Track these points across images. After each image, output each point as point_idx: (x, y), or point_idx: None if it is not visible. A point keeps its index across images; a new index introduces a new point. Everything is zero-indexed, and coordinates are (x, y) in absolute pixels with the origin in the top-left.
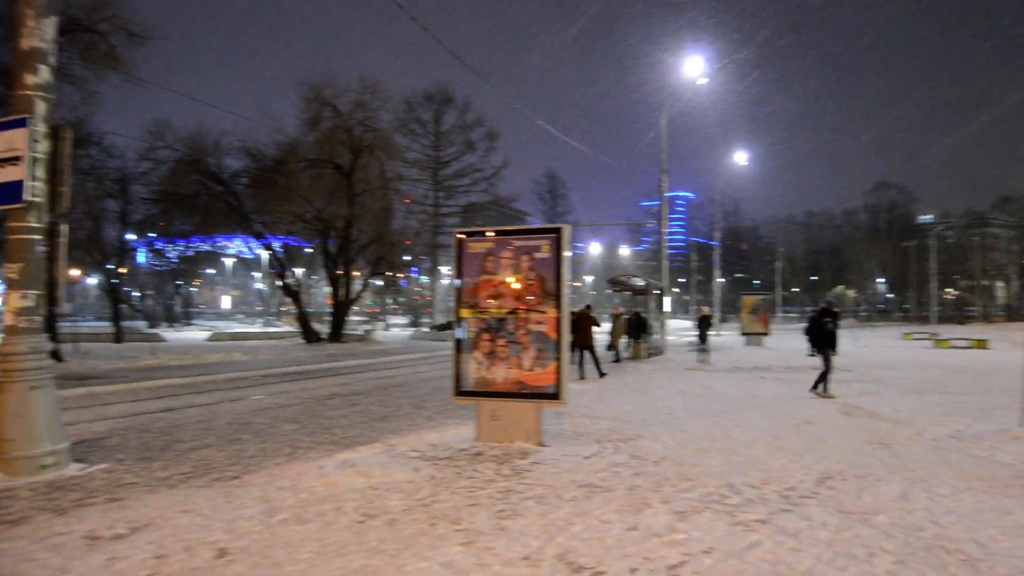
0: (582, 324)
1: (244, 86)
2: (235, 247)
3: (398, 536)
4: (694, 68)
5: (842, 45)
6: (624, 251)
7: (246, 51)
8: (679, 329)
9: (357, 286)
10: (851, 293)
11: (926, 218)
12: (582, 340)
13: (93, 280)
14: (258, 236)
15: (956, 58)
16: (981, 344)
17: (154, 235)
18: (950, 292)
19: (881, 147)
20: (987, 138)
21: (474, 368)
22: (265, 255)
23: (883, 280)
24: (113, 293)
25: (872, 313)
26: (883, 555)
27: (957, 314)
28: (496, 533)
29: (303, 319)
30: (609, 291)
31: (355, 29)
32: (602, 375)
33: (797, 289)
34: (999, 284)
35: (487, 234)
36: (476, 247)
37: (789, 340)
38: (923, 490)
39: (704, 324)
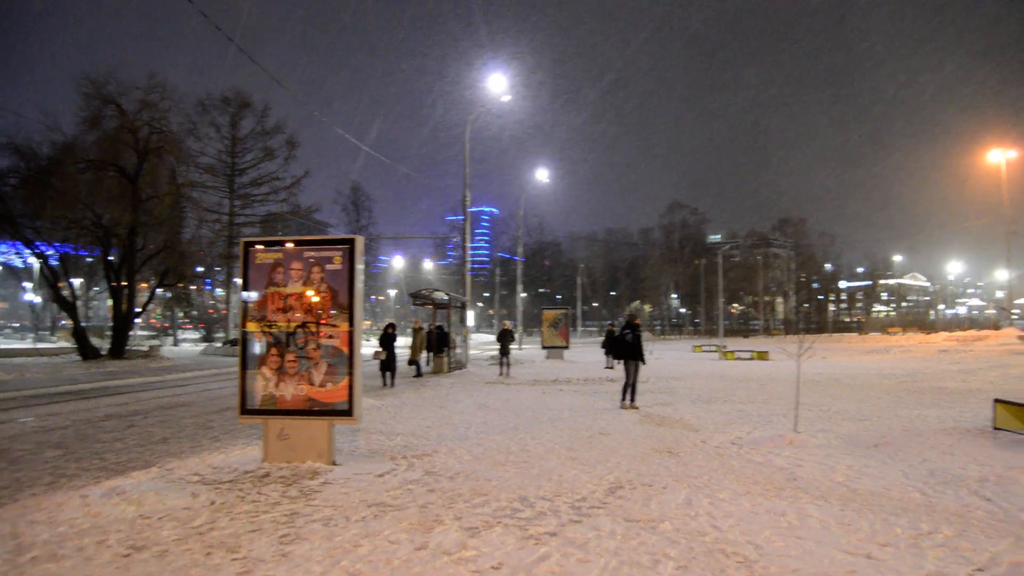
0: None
1: (11, 76)
2: (0, 254)
3: (167, 569)
4: (497, 85)
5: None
6: (429, 265)
7: (12, 37)
8: (483, 343)
9: (143, 298)
10: (647, 308)
11: (715, 238)
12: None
13: None
14: (28, 243)
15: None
16: (762, 356)
17: None
18: (736, 307)
19: (674, 168)
20: (768, 164)
21: (261, 385)
22: (37, 264)
23: (676, 296)
24: None
25: (666, 327)
26: (667, 561)
27: (742, 328)
28: (277, 560)
29: (80, 334)
30: (414, 306)
31: (145, 24)
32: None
33: (596, 304)
34: (779, 300)
35: (276, 244)
36: (265, 257)
37: (588, 353)
38: (706, 496)
39: (505, 338)
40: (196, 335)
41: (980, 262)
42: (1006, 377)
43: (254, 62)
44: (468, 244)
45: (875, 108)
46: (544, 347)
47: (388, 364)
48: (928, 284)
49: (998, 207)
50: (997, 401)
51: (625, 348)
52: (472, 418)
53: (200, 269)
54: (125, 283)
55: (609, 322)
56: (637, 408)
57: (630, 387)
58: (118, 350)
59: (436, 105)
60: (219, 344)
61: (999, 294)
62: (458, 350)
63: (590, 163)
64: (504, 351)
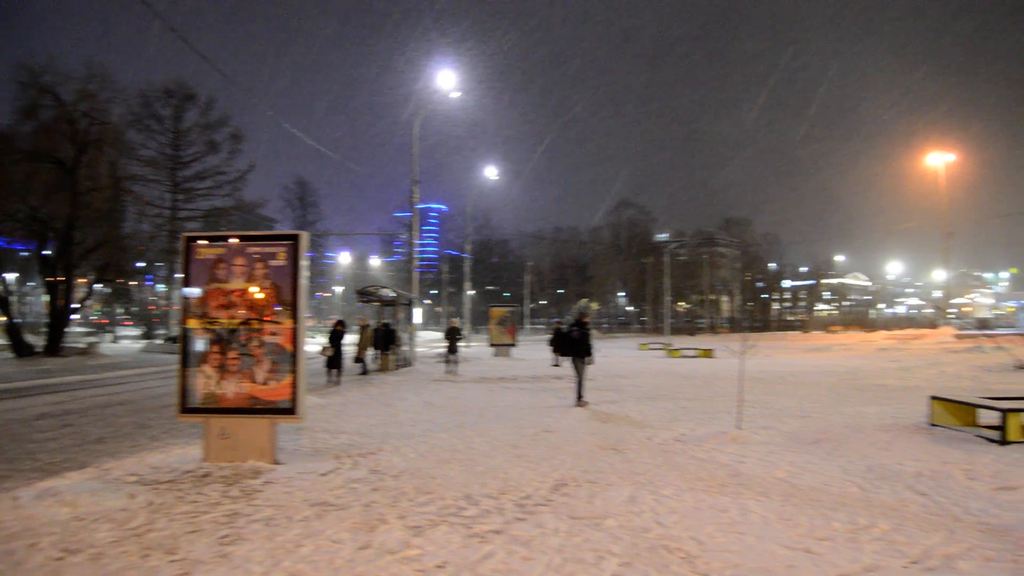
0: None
1: None
2: None
3: (102, 572)
4: (447, 81)
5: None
6: (376, 262)
7: None
8: (430, 340)
9: (81, 294)
10: (594, 305)
11: (662, 236)
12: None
13: None
14: None
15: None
16: (707, 353)
17: None
18: (682, 305)
19: (622, 168)
20: (714, 165)
21: (202, 383)
22: None
23: (623, 294)
24: None
25: (613, 325)
26: (610, 558)
27: (688, 326)
28: (217, 561)
29: (13, 330)
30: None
31: (85, 13)
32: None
33: (545, 301)
34: (724, 298)
35: (219, 239)
36: (206, 252)
37: (536, 351)
38: (650, 492)
39: (453, 335)
40: (136, 332)
41: (919, 262)
42: (942, 374)
43: (197, 53)
44: (416, 241)
45: (815, 111)
46: (491, 345)
47: (335, 362)
48: (869, 283)
49: (936, 209)
50: (933, 398)
51: (573, 345)
52: (418, 416)
53: (141, 264)
54: (62, 278)
55: (556, 319)
56: (584, 405)
57: (578, 384)
58: (54, 347)
59: (384, 101)
60: (160, 341)
61: (936, 294)
62: (405, 348)
63: (539, 162)
64: (451, 349)
